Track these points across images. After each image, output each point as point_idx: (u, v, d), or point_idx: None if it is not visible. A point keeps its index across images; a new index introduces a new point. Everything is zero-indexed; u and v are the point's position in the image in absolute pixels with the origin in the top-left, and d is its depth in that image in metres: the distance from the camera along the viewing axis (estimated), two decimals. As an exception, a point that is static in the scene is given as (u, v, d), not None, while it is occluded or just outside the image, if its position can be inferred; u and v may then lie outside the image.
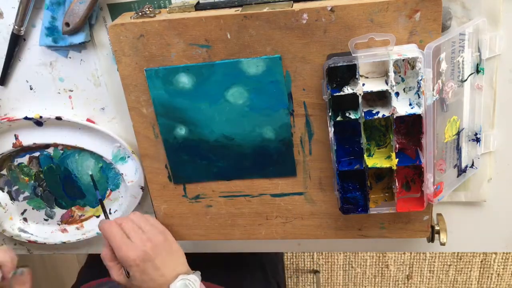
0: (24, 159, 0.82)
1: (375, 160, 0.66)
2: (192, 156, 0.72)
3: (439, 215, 0.74)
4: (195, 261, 0.84)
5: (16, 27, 0.69)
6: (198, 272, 0.69)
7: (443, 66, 0.60)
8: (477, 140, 0.68)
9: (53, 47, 0.71)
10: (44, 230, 0.88)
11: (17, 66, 0.74)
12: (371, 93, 0.61)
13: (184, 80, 0.66)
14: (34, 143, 0.78)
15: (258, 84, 0.65)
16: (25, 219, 0.88)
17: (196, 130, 0.70)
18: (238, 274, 0.92)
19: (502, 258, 1.74)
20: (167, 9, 0.65)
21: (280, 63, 0.63)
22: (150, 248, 0.66)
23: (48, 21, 0.68)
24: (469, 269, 1.77)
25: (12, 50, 0.71)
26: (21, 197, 0.86)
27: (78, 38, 0.68)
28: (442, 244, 0.71)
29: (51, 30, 0.69)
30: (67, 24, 0.66)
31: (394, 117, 0.61)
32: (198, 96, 0.67)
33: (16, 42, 0.71)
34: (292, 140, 0.69)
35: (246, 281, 0.92)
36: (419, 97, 0.60)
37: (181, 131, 0.70)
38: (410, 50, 0.59)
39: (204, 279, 0.70)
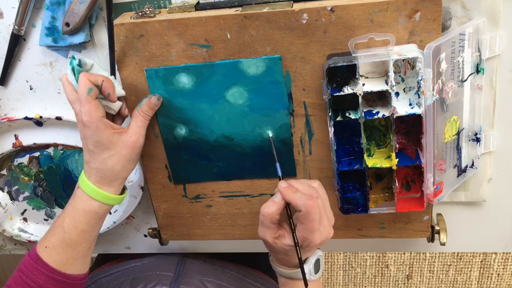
0: (24, 159, 0.82)
1: (375, 160, 0.66)
2: (192, 156, 0.72)
3: (439, 215, 0.74)
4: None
5: (16, 27, 0.69)
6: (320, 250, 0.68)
7: (443, 66, 0.60)
8: (477, 140, 0.68)
9: (53, 47, 0.71)
10: (44, 230, 0.87)
11: (17, 66, 0.74)
12: (371, 93, 0.61)
13: (184, 80, 0.66)
14: (34, 143, 0.78)
15: (258, 84, 0.65)
16: (25, 219, 0.88)
17: (196, 130, 0.70)
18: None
19: (502, 258, 1.74)
20: (167, 9, 0.65)
21: (280, 63, 0.63)
22: (330, 235, 0.63)
23: (48, 21, 0.68)
24: (469, 269, 1.77)
25: (12, 50, 0.71)
26: (21, 197, 0.86)
27: (78, 38, 0.68)
28: (442, 244, 0.71)
29: (51, 30, 0.69)
30: (67, 24, 0.66)
31: (394, 117, 0.61)
32: (198, 96, 0.67)
33: (16, 42, 0.71)
34: (292, 140, 0.69)
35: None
36: (419, 97, 0.60)
37: (181, 131, 0.70)
38: (410, 50, 0.59)
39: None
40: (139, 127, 0.65)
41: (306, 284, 0.61)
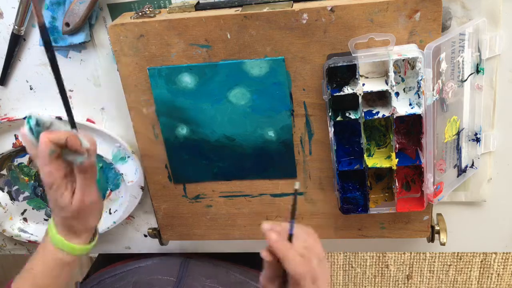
0: (24, 159, 0.82)
1: (375, 160, 0.66)
2: (192, 155, 0.72)
3: (439, 215, 0.74)
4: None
5: (16, 27, 0.69)
6: None
7: (443, 66, 0.60)
8: (477, 140, 0.68)
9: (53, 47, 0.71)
10: (44, 230, 0.88)
11: (17, 66, 0.74)
12: (371, 93, 0.61)
13: (187, 80, 0.66)
14: (34, 143, 0.78)
15: (261, 85, 0.65)
16: (25, 219, 0.88)
17: (197, 130, 0.70)
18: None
19: (502, 258, 1.74)
20: (167, 9, 0.65)
21: (283, 65, 0.63)
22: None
23: (48, 21, 0.68)
24: (469, 269, 1.77)
25: (12, 50, 0.71)
26: (21, 197, 0.86)
27: (78, 38, 0.68)
28: (442, 244, 0.71)
29: (51, 30, 0.69)
30: (67, 24, 0.66)
31: (394, 117, 0.61)
32: (200, 96, 0.67)
33: (16, 42, 0.71)
34: (293, 141, 0.69)
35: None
36: (419, 97, 0.60)
37: (183, 130, 0.70)
38: (410, 50, 0.59)
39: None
40: (80, 187, 0.60)
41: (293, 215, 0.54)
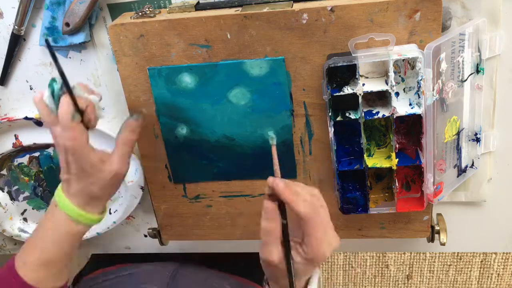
0: (24, 159, 0.82)
1: (375, 160, 0.66)
2: (192, 155, 0.72)
3: (439, 215, 0.74)
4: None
5: (16, 27, 0.69)
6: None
7: (443, 66, 0.60)
8: (477, 140, 0.68)
9: (53, 47, 0.71)
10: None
11: (17, 66, 0.74)
12: (371, 93, 0.61)
13: (187, 80, 0.66)
14: (34, 143, 0.78)
15: (261, 86, 0.65)
16: (25, 219, 0.88)
17: (197, 130, 0.70)
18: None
19: (502, 258, 1.74)
20: (167, 9, 0.65)
21: (283, 65, 0.63)
22: (336, 247, 0.56)
23: (48, 21, 0.68)
24: (469, 269, 1.77)
25: (12, 50, 0.71)
26: (21, 197, 0.86)
27: (78, 38, 0.68)
28: (442, 244, 0.71)
29: (51, 30, 0.69)
30: (67, 24, 0.66)
31: (394, 117, 0.61)
32: (200, 96, 0.67)
33: (16, 42, 0.71)
34: (293, 141, 0.69)
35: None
36: (419, 97, 0.60)
37: (183, 130, 0.70)
38: (410, 50, 0.59)
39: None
40: (121, 155, 0.61)
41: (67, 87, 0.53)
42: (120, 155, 0.61)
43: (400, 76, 0.62)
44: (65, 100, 0.56)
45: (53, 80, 0.56)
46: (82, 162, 0.58)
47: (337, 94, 0.61)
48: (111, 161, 0.60)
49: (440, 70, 0.60)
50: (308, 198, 0.54)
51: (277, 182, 0.54)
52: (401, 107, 0.61)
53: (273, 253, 0.54)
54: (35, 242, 0.62)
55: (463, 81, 0.64)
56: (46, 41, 0.54)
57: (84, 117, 0.58)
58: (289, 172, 0.71)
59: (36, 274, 0.61)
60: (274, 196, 0.54)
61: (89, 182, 0.60)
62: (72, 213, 0.61)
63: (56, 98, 0.57)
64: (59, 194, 0.61)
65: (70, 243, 0.62)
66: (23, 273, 0.61)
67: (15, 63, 0.73)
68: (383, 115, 0.62)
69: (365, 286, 1.86)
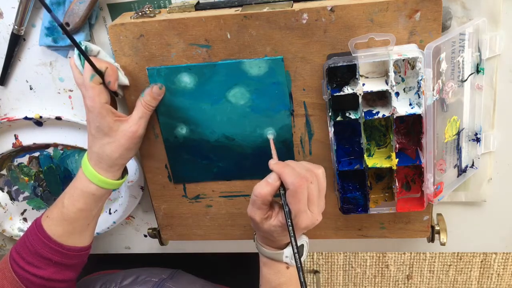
0: (24, 159, 0.82)
1: (375, 160, 0.66)
2: (192, 155, 0.72)
3: (439, 215, 0.74)
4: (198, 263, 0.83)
5: (16, 27, 0.69)
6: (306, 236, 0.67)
7: (443, 66, 0.60)
8: (477, 140, 0.68)
9: (53, 47, 0.71)
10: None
11: (17, 66, 0.74)
12: (371, 93, 0.61)
13: (186, 80, 0.66)
14: (34, 143, 0.78)
15: (260, 85, 0.65)
16: (25, 219, 0.88)
17: (197, 130, 0.70)
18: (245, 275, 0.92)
19: (502, 258, 1.74)
20: (167, 9, 0.65)
21: (282, 65, 0.63)
22: (317, 221, 0.61)
23: (48, 21, 0.68)
24: (469, 269, 1.77)
25: (12, 50, 0.71)
26: (21, 197, 0.86)
27: (78, 38, 0.68)
28: (442, 244, 0.71)
29: (51, 30, 0.69)
30: (67, 24, 0.66)
31: (394, 117, 0.61)
32: (199, 96, 0.67)
33: (16, 42, 0.71)
34: (292, 141, 0.69)
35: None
36: (419, 97, 0.60)
37: (182, 130, 0.70)
38: (410, 50, 0.59)
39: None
40: (140, 117, 0.65)
41: (299, 270, 0.56)
42: (139, 117, 0.65)
43: (400, 76, 0.62)
44: (86, 62, 0.60)
45: (79, 43, 0.60)
46: (99, 121, 0.62)
47: (337, 94, 0.61)
48: (129, 121, 0.64)
49: (440, 70, 0.60)
50: (302, 172, 0.59)
51: (271, 161, 0.62)
52: (401, 107, 0.61)
53: (257, 214, 0.61)
54: (60, 198, 0.67)
55: (463, 81, 0.64)
56: (61, 26, 0.56)
57: (105, 79, 0.62)
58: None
59: (56, 228, 0.66)
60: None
61: (106, 142, 0.64)
62: (87, 172, 0.65)
63: (82, 60, 0.61)
64: (85, 155, 0.66)
65: (84, 201, 0.66)
66: (47, 227, 0.66)
67: (15, 63, 0.73)
68: (383, 115, 0.62)
69: (365, 286, 1.86)
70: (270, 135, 0.69)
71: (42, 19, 0.69)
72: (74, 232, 0.67)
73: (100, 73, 0.61)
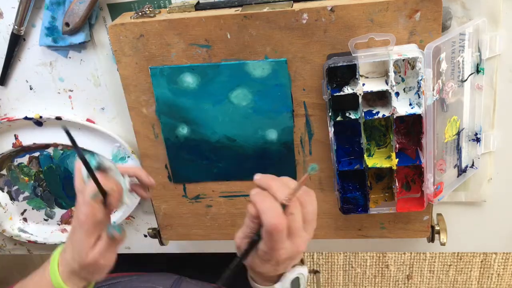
0: (24, 159, 0.82)
1: (375, 160, 0.66)
2: (193, 155, 0.72)
3: (439, 215, 0.74)
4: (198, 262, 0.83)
5: (16, 27, 0.69)
6: (305, 266, 0.61)
7: (443, 66, 0.60)
8: (477, 140, 0.68)
9: (53, 47, 0.71)
10: (44, 230, 0.88)
11: (17, 66, 0.74)
12: (371, 93, 0.61)
13: (189, 80, 0.66)
14: (34, 143, 0.78)
15: (263, 87, 0.65)
16: (25, 219, 0.88)
17: (198, 130, 0.70)
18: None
19: (502, 258, 1.74)
20: (167, 9, 0.65)
21: (285, 67, 0.63)
22: (301, 252, 0.55)
23: (48, 21, 0.68)
24: (469, 269, 1.77)
25: (12, 50, 0.71)
26: (21, 197, 0.86)
27: (78, 38, 0.68)
28: (442, 244, 0.71)
29: (51, 30, 0.69)
30: (67, 24, 0.66)
31: (394, 117, 0.61)
32: (202, 96, 0.67)
33: (16, 42, 0.71)
34: (293, 143, 0.69)
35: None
36: (419, 97, 0.60)
37: (183, 130, 0.70)
38: (410, 50, 0.59)
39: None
40: (103, 247, 0.59)
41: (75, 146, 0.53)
42: (100, 248, 0.59)
43: (400, 76, 0.62)
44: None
45: (93, 156, 0.58)
46: (86, 240, 0.58)
47: (337, 94, 0.61)
48: (95, 247, 0.59)
49: (440, 70, 0.60)
50: (281, 199, 0.52)
51: (252, 190, 0.54)
52: (401, 107, 0.61)
53: (236, 236, 0.57)
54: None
55: (463, 81, 0.64)
56: (66, 131, 0.54)
57: (107, 200, 0.58)
58: (288, 174, 0.71)
59: None
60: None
61: (77, 259, 0.59)
62: (54, 280, 0.60)
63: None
64: (56, 253, 0.62)
65: None
66: None
67: (15, 63, 0.73)
68: (383, 115, 0.62)
69: (365, 286, 1.86)
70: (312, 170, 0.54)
71: (42, 19, 0.69)
72: None
73: (104, 194, 0.57)
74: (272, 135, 0.68)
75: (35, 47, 0.72)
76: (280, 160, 0.70)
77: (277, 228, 0.51)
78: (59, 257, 0.61)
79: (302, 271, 0.59)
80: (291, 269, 0.58)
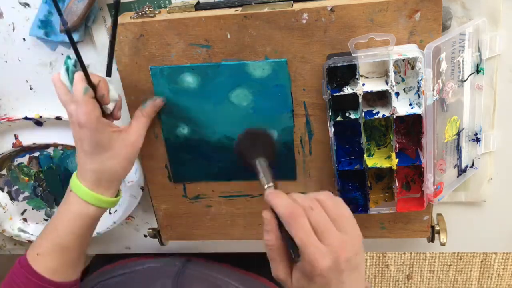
0: (24, 159, 0.82)
1: (375, 160, 0.66)
2: (193, 155, 0.72)
3: (439, 215, 0.74)
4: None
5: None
6: None
7: (443, 66, 0.60)
8: (477, 140, 0.68)
9: (42, 39, 0.70)
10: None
11: (17, 66, 0.74)
12: (371, 93, 0.61)
13: (189, 80, 0.66)
14: (34, 143, 0.78)
15: (263, 87, 0.65)
16: (25, 219, 0.88)
17: (198, 130, 0.70)
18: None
19: (502, 258, 1.74)
20: (167, 9, 0.65)
21: (286, 67, 0.63)
22: (344, 257, 0.47)
23: (44, 14, 0.68)
24: (469, 269, 1.77)
25: (113, 43, 0.62)
26: (21, 197, 0.86)
27: (75, 37, 0.68)
28: (442, 244, 0.71)
29: (44, 24, 0.68)
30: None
31: (394, 117, 0.61)
32: (202, 96, 0.67)
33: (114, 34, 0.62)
34: (293, 143, 0.69)
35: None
36: (419, 97, 0.60)
37: (184, 130, 0.70)
38: (410, 50, 0.59)
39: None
40: (140, 128, 0.64)
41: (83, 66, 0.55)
42: (139, 128, 0.64)
43: (400, 76, 0.62)
44: (78, 76, 0.58)
45: (68, 57, 0.59)
46: (96, 137, 0.59)
47: (337, 94, 0.61)
48: (129, 132, 0.63)
49: (440, 70, 0.60)
50: (298, 199, 0.50)
51: (266, 191, 0.53)
52: (401, 107, 0.61)
53: (279, 270, 0.50)
54: (49, 229, 0.63)
55: (463, 81, 0.64)
56: (67, 29, 0.55)
57: (97, 92, 0.59)
58: (288, 174, 0.71)
59: (51, 263, 0.61)
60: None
61: (106, 157, 0.60)
62: (83, 194, 0.61)
63: (70, 75, 0.59)
64: (73, 177, 0.62)
65: (83, 226, 0.62)
66: (37, 266, 0.61)
67: (15, 63, 0.73)
68: (383, 115, 0.62)
69: (365, 286, 1.86)
70: (257, 160, 0.58)
71: (37, 11, 0.68)
72: (70, 263, 0.63)
73: (93, 87, 0.58)
74: (272, 135, 0.68)
75: (35, 47, 0.72)
76: (280, 161, 0.70)
77: (293, 213, 0.47)
78: (76, 179, 0.62)
79: None
80: None
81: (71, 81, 0.59)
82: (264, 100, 0.66)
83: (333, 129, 0.63)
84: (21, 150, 0.80)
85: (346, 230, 0.48)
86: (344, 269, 0.47)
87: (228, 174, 0.73)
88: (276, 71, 0.64)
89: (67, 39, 0.67)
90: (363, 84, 0.61)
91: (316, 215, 0.48)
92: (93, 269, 0.90)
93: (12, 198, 0.86)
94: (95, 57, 0.71)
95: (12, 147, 0.78)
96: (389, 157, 0.65)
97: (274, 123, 0.67)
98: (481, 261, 1.75)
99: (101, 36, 0.70)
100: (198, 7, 0.64)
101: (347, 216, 0.50)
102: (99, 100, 0.60)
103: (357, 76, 0.60)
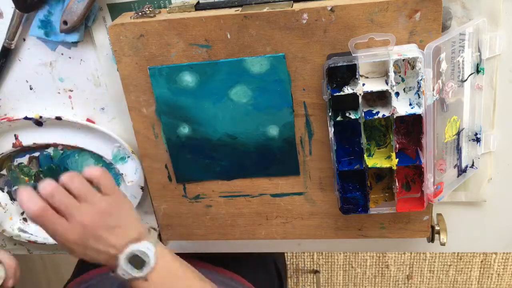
0: (24, 159, 0.82)
1: (375, 160, 0.66)
2: (195, 155, 0.72)
3: (439, 215, 0.74)
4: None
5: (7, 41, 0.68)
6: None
7: (443, 66, 0.60)
8: (477, 140, 0.68)
9: (42, 39, 0.70)
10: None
11: (17, 66, 0.74)
12: (371, 93, 0.61)
13: (188, 79, 0.66)
14: (34, 143, 0.78)
15: (262, 83, 0.65)
16: (25, 219, 0.88)
17: (199, 129, 0.70)
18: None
19: (502, 258, 1.74)
20: (167, 9, 0.65)
21: (284, 62, 0.63)
22: (90, 222, 0.57)
23: (44, 14, 0.68)
24: (469, 269, 1.77)
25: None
26: (21, 197, 0.86)
27: (72, 37, 0.68)
28: (442, 244, 0.71)
29: (44, 24, 0.68)
30: (65, 23, 0.66)
31: (394, 117, 0.61)
32: (201, 95, 0.67)
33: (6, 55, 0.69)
34: (295, 139, 0.69)
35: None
36: (419, 97, 0.60)
37: (184, 129, 0.70)
38: (410, 50, 0.59)
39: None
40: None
41: None
42: None
43: (400, 76, 0.62)
44: None
45: None
46: None
47: (337, 94, 0.61)
48: None
49: (440, 70, 0.60)
50: (42, 191, 0.57)
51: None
52: (401, 107, 0.61)
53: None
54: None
55: (463, 81, 0.64)
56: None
57: None
58: (292, 169, 0.71)
59: None
60: None
61: None
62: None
63: None
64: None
65: None
66: None
67: (15, 63, 0.73)
68: (383, 115, 0.62)
69: (365, 286, 1.86)
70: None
71: (37, 11, 0.68)
72: None
73: None
74: (273, 131, 0.68)
75: (35, 47, 0.72)
76: (283, 157, 0.70)
77: (36, 213, 0.56)
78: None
79: (138, 247, 0.59)
80: (126, 248, 0.58)
81: None
82: (264, 96, 0.66)
83: (333, 129, 0.63)
84: (21, 150, 0.80)
85: (87, 200, 0.58)
86: (94, 234, 0.57)
87: (231, 172, 0.73)
88: (274, 66, 0.64)
89: (68, 40, 0.68)
90: (363, 84, 0.61)
91: (58, 196, 0.56)
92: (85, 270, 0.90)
93: (12, 198, 0.86)
94: (95, 57, 0.71)
95: (12, 147, 0.78)
96: (389, 157, 0.65)
97: (274, 119, 0.67)
98: (481, 261, 1.75)
99: (101, 36, 0.70)
100: (198, 7, 0.64)
101: (84, 189, 0.58)
102: None
103: (357, 76, 0.60)
